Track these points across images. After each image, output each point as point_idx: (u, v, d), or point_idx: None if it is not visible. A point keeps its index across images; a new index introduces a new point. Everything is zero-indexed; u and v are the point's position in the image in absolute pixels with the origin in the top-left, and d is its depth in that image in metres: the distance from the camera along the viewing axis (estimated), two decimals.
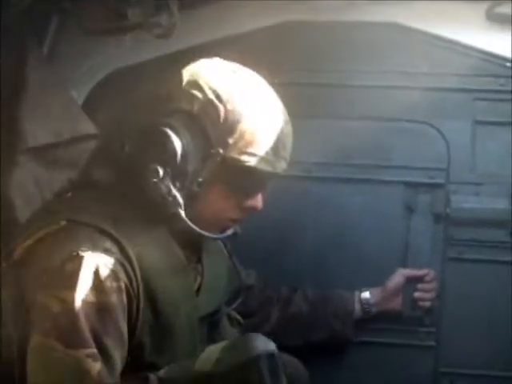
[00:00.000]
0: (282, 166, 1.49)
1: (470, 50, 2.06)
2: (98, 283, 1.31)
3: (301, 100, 2.06)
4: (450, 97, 2.07)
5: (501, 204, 2.04)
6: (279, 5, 2.07)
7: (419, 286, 2.02)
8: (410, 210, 2.07)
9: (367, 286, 2.03)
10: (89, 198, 1.46)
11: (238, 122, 1.41)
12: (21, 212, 1.78)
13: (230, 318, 1.68)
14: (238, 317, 1.70)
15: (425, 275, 2.03)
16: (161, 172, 1.38)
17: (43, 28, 2.14)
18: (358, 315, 2.01)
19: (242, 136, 1.41)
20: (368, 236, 2.08)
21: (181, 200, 1.39)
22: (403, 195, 2.08)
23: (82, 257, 1.31)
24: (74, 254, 1.31)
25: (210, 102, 1.40)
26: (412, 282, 2.03)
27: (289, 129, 1.51)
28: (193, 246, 1.55)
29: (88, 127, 1.95)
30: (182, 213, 1.40)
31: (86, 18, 2.11)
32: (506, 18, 2.03)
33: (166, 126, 1.39)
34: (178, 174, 1.38)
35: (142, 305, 1.37)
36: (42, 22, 2.13)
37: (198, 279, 1.55)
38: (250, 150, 1.42)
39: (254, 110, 1.44)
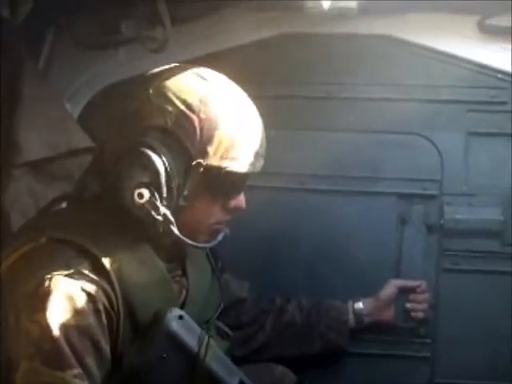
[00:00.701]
0: (261, 164, 1.50)
1: (463, 62, 2.08)
2: (73, 306, 1.31)
3: (295, 112, 2.10)
4: (443, 108, 2.09)
5: (494, 214, 2.05)
6: (272, 18, 2.09)
7: (411, 296, 2.03)
8: (403, 221, 2.09)
9: (361, 296, 2.03)
10: (72, 213, 1.47)
11: (214, 129, 1.40)
12: (16, 225, 1.78)
13: (218, 330, 1.67)
14: (227, 329, 1.69)
15: (417, 286, 2.03)
16: (146, 195, 1.37)
17: (39, 42, 2.15)
18: (352, 325, 2.01)
19: (220, 142, 1.41)
20: (362, 247, 2.09)
21: (171, 218, 1.40)
22: (397, 206, 2.09)
23: (55, 281, 1.31)
24: (48, 277, 1.31)
25: (182, 113, 1.39)
26: (405, 292, 2.03)
27: (261, 125, 1.51)
28: (176, 259, 1.56)
29: (83, 141, 1.96)
30: (175, 229, 1.41)
31: (81, 32, 2.14)
32: (497, 29, 2.06)
33: (143, 147, 1.38)
34: (163, 192, 1.38)
35: (122, 320, 1.37)
36: (38, 37, 2.15)
37: (184, 293, 1.55)
38: (231, 154, 1.42)
39: (227, 113, 1.43)
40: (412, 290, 2.04)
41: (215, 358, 1.46)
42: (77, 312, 1.31)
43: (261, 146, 1.49)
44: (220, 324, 1.68)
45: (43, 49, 2.15)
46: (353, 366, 2.08)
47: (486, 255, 2.06)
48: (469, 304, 2.05)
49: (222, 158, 1.41)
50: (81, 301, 1.32)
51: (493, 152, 2.08)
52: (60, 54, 2.17)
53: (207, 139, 1.40)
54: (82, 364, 1.29)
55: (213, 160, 1.40)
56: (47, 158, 1.91)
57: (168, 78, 1.45)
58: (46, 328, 1.27)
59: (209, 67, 1.54)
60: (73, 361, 1.28)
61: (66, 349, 1.28)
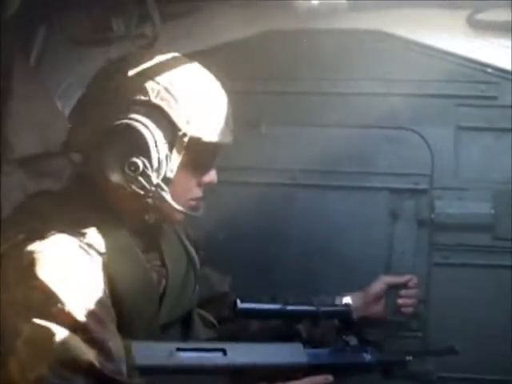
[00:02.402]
0: (231, 137, 1.54)
1: (453, 57, 2.10)
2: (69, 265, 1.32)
3: (286, 108, 2.11)
4: (433, 103, 2.10)
5: (484, 209, 2.06)
6: (261, 14, 2.10)
7: (402, 292, 2.03)
8: (394, 215, 2.10)
9: (352, 291, 2.02)
10: (52, 205, 1.46)
11: (193, 102, 1.45)
12: None
13: (203, 319, 1.69)
14: (212, 319, 1.71)
15: (407, 281, 2.02)
16: (140, 164, 1.40)
17: (30, 39, 2.16)
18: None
19: (199, 114, 1.46)
20: (353, 242, 2.10)
21: (164, 186, 1.43)
22: (388, 201, 2.10)
23: (41, 251, 1.31)
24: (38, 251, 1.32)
25: (164, 88, 1.44)
26: (395, 288, 2.03)
27: (227, 101, 1.56)
28: (154, 249, 1.57)
29: None
30: (168, 197, 1.44)
31: (73, 29, 2.15)
32: (487, 24, 2.07)
33: (129, 120, 1.40)
34: (154, 163, 1.41)
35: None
36: (29, 33, 2.15)
37: (163, 282, 1.56)
38: (208, 125, 1.47)
39: (203, 88, 1.49)
40: (403, 285, 2.04)
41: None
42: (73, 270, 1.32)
43: (231, 118, 1.55)
44: (205, 313, 1.70)
45: (34, 45, 2.16)
46: None
47: (477, 249, 2.06)
48: (459, 298, 2.06)
49: (200, 128, 1.46)
50: (76, 259, 1.34)
51: (483, 146, 2.09)
52: (51, 51, 2.18)
53: (189, 111, 1.44)
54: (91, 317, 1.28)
55: (194, 131, 1.45)
56: (38, 154, 1.92)
57: (147, 59, 1.50)
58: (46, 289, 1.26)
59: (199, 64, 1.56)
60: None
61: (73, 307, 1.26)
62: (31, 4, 1.62)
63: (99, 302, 1.31)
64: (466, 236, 2.06)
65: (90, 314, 1.27)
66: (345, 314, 1.71)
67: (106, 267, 1.38)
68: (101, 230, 1.42)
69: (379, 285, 2.02)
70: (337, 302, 1.99)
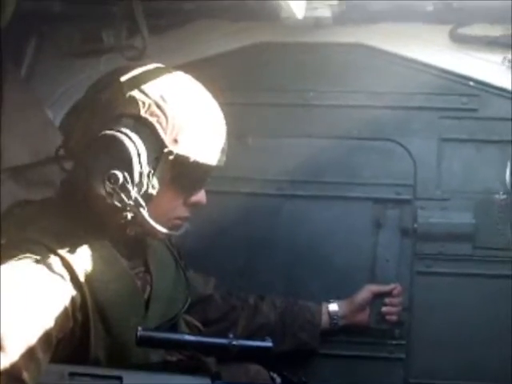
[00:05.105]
0: (223, 159, 1.54)
1: (435, 70, 2.14)
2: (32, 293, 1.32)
3: (272, 120, 2.15)
4: (416, 115, 2.15)
5: (466, 218, 2.11)
6: (249, 27, 2.15)
7: (387, 300, 2.07)
8: (378, 225, 2.13)
9: (337, 299, 2.07)
10: (33, 214, 1.48)
11: (185, 120, 1.45)
12: None
13: (188, 324, 1.71)
14: (197, 323, 1.73)
15: (392, 290, 2.08)
16: (120, 177, 1.40)
17: (21, 50, 2.19)
18: (325, 327, 2.05)
19: (189, 132, 1.45)
20: (338, 251, 2.14)
21: (142, 202, 1.43)
22: (372, 211, 2.14)
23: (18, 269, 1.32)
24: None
25: (155, 103, 1.44)
26: (380, 296, 2.08)
27: (224, 124, 1.56)
28: (138, 256, 1.59)
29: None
30: (145, 213, 1.43)
31: (64, 40, 2.18)
32: (469, 38, 2.12)
33: (115, 133, 1.41)
34: (135, 177, 1.40)
35: (91, 318, 1.40)
36: (20, 44, 2.18)
37: (148, 288, 1.57)
38: (198, 145, 1.47)
39: (197, 108, 1.49)
40: (387, 293, 2.08)
41: None
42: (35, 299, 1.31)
43: (224, 141, 1.54)
44: (189, 318, 1.72)
45: (26, 56, 2.19)
46: (329, 368, 2.12)
47: (459, 258, 2.11)
48: (442, 306, 2.11)
49: (189, 147, 1.45)
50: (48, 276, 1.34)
51: (464, 157, 2.13)
52: (42, 62, 2.22)
53: (178, 129, 1.44)
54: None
55: (182, 149, 1.44)
56: (28, 164, 1.94)
57: (141, 72, 1.50)
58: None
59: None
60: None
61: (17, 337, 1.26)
62: (23, 16, 1.65)
63: (40, 329, 1.29)
64: (448, 245, 2.11)
65: (20, 341, 1.25)
66: (263, 349, 1.46)
67: (87, 277, 1.39)
68: (80, 240, 1.43)
69: (365, 293, 2.07)
70: (323, 308, 2.05)
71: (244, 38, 2.16)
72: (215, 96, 1.57)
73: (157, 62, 2.00)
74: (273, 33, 2.14)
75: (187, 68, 1.97)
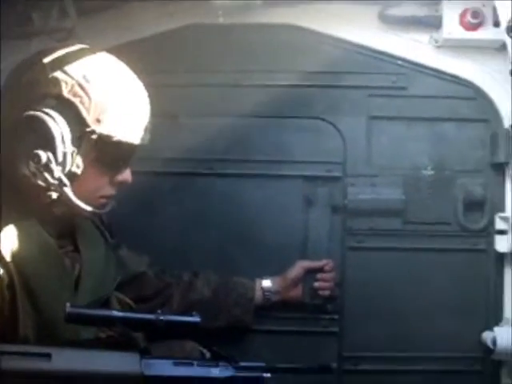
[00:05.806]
0: (147, 137, 1.57)
1: (365, 50, 2.18)
2: None
3: (200, 100, 2.16)
4: (345, 94, 2.18)
5: (395, 194, 2.15)
6: (180, 9, 2.16)
7: (319, 276, 2.11)
8: (309, 202, 2.16)
9: (271, 276, 2.10)
10: None
11: (107, 99, 1.48)
12: None
13: (120, 302, 1.73)
14: (129, 301, 1.75)
15: (324, 265, 2.11)
16: (43, 157, 1.44)
17: None
18: (259, 303, 2.08)
19: (112, 112, 1.48)
20: (270, 228, 2.16)
21: (66, 181, 1.46)
22: (302, 189, 2.17)
23: None
24: None
25: (78, 83, 1.47)
26: (312, 272, 2.11)
27: (148, 103, 1.59)
28: (66, 235, 1.61)
29: None
30: (70, 192, 1.47)
31: None
32: (397, 19, 2.17)
33: (38, 113, 1.44)
34: (59, 156, 1.44)
35: (18, 295, 1.42)
36: None
37: (77, 267, 1.60)
38: (121, 124, 1.50)
39: (121, 87, 1.52)
40: (319, 269, 2.12)
41: None
42: None
43: (147, 120, 1.57)
44: (122, 296, 1.74)
45: None
46: (263, 343, 2.15)
47: (389, 233, 2.15)
48: (374, 280, 2.15)
49: (112, 126, 1.49)
50: None
51: (393, 135, 2.18)
52: None
53: (101, 109, 1.47)
54: None
55: (105, 129, 1.48)
56: None
57: (64, 53, 1.53)
58: None
59: (119, 57, 1.60)
60: None
61: None
62: None
63: None
64: (379, 221, 2.15)
65: None
66: (191, 324, 1.47)
67: (13, 255, 1.42)
68: (7, 219, 1.45)
69: (297, 269, 2.10)
70: (256, 285, 2.08)
71: (175, 19, 2.17)
72: (145, 77, 1.59)
73: (88, 44, 2.03)
74: (204, 14, 2.15)
75: (119, 50, 1.99)
